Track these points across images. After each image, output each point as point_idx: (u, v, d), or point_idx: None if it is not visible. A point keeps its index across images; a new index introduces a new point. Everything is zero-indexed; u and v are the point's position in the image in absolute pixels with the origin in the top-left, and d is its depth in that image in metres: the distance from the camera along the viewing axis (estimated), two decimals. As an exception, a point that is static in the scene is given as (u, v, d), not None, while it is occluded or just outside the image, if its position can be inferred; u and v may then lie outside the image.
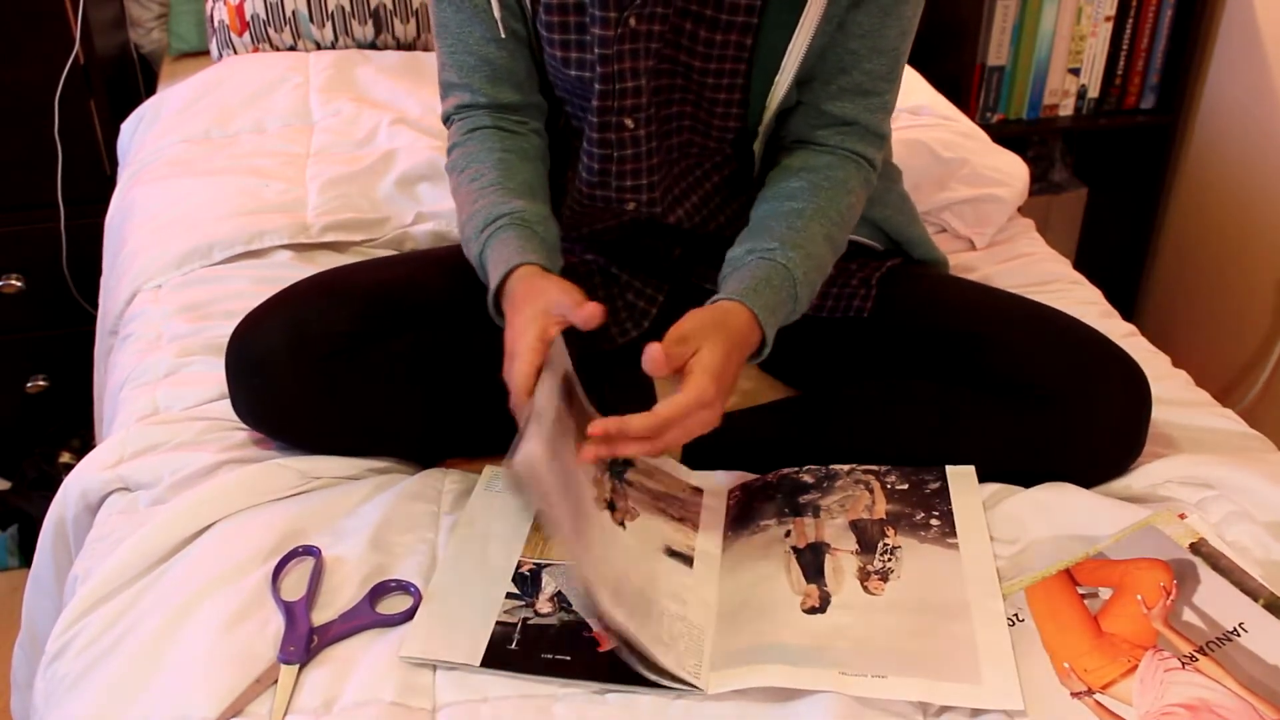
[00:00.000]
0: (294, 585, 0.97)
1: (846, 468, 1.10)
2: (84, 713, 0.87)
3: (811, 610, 0.94)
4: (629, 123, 1.12)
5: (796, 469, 1.10)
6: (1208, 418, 1.23)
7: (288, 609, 0.94)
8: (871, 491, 1.07)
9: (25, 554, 1.96)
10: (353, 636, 0.93)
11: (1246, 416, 1.26)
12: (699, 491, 1.11)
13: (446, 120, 1.22)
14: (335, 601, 0.96)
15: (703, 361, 0.98)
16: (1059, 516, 1.05)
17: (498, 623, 0.94)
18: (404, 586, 0.98)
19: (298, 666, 0.90)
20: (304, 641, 0.91)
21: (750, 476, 1.14)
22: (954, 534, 1.02)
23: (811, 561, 0.99)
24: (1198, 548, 1.00)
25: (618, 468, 1.07)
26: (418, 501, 1.08)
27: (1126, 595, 0.96)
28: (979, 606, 0.94)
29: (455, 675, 0.90)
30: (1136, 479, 1.10)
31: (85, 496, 1.11)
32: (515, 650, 0.91)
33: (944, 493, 1.06)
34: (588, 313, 0.97)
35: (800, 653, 0.89)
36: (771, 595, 0.96)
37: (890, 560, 0.99)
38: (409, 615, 0.95)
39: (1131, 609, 0.95)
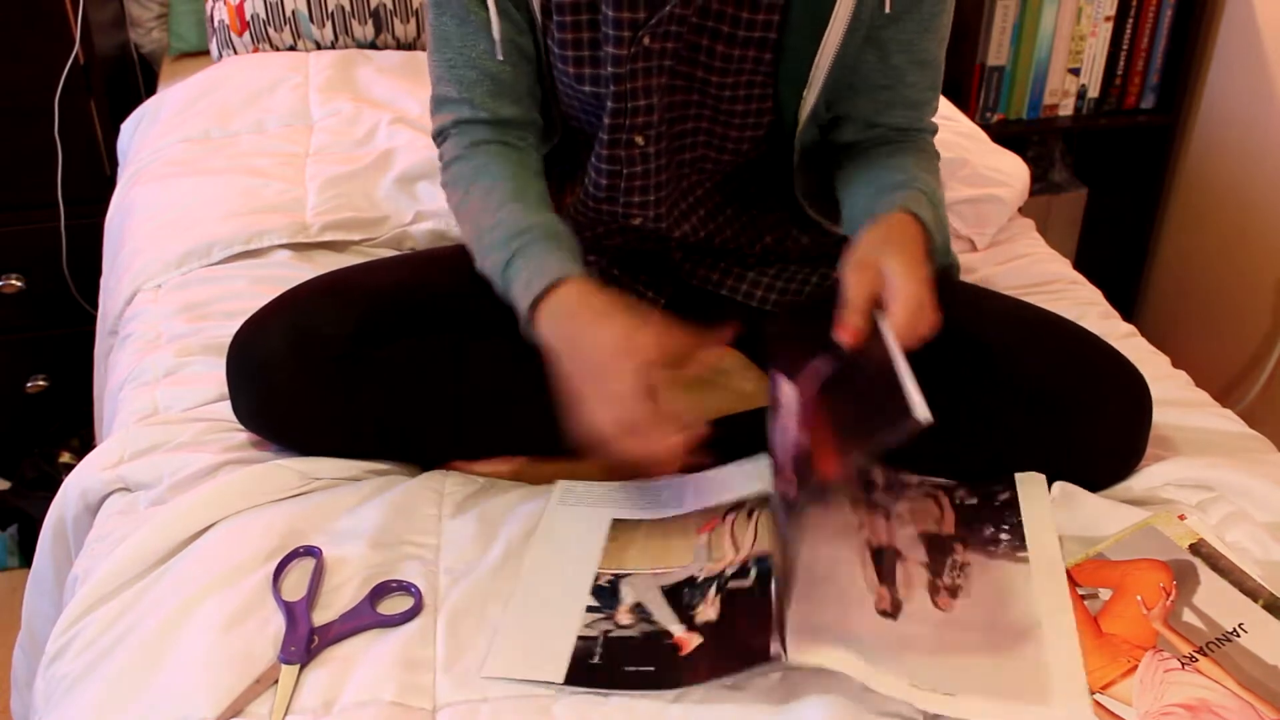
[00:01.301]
0: (295, 585, 0.97)
1: (916, 479, 1.08)
2: (84, 713, 0.87)
3: (884, 613, 0.93)
4: (639, 140, 1.12)
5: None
6: (1208, 418, 1.23)
7: (288, 609, 0.94)
8: (941, 507, 1.05)
9: (25, 554, 1.96)
10: (353, 637, 0.93)
11: (1246, 417, 1.26)
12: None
13: (440, 135, 1.17)
14: (336, 602, 0.96)
15: (895, 271, 0.96)
16: (1059, 517, 1.05)
17: (579, 638, 0.93)
18: (405, 587, 0.98)
19: (298, 667, 0.90)
20: (304, 642, 0.91)
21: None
22: (1024, 547, 1.00)
23: (885, 564, 0.98)
24: (1197, 548, 1.00)
25: None
26: (419, 503, 1.08)
27: (1126, 596, 0.96)
28: (1050, 623, 0.92)
29: (455, 675, 0.90)
30: (1136, 480, 1.10)
31: (85, 497, 1.11)
32: (598, 665, 0.90)
33: (1014, 504, 1.04)
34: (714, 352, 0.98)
35: (875, 653, 0.88)
36: (849, 581, 0.95)
37: (959, 577, 0.97)
38: (410, 616, 0.95)
39: (1131, 609, 0.95)
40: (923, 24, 1.11)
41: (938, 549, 1.00)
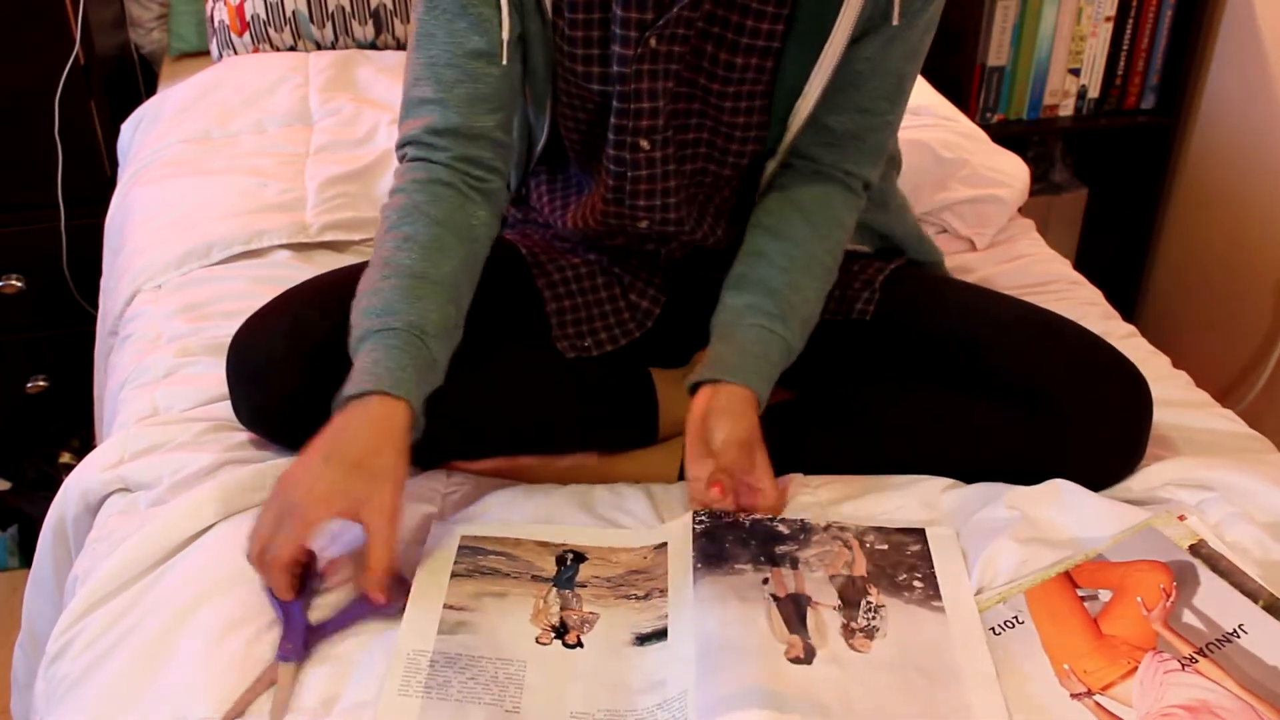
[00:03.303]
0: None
1: (824, 523, 1.05)
2: (84, 713, 0.87)
3: (796, 660, 0.90)
4: (644, 144, 1.12)
5: (770, 518, 1.05)
6: (1208, 418, 1.23)
7: (284, 608, 0.94)
8: (850, 549, 1.02)
9: (25, 554, 1.96)
10: (353, 635, 0.93)
11: (1246, 417, 1.26)
12: (663, 546, 1.03)
13: (402, 148, 1.09)
14: (334, 601, 0.96)
15: (766, 475, 1.07)
16: (1060, 517, 1.05)
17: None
18: (398, 578, 0.97)
19: (295, 664, 0.89)
20: (300, 638, 0.91)
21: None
22: (939, 597, 0.97)
23: (793, 612, 0.95)
24: (1197, 549, 1.00)
25: (565, 575, 1.01)
26: (419, 502, 1.08)
27: (1126, 597, 0.96)
28: (971, 671, 0.90)
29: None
30: (1136, 481, 1.10)
31: (85, 497, 1.11)
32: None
33: (925, 555, 1.02)
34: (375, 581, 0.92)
35: (788, 701, 0.85)
36: (754, 639, 0.91)
37: (875, 618, 0.95)
38: (404, 607, 0.94)
39: (1131, 611, 0.95)
40: (889, 37, 1.10)
41: (850, 592, 0.97)
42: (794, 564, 1.00)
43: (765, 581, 0.97)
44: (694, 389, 1.09)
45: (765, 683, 0.86)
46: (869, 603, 0.96)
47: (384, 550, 0.91)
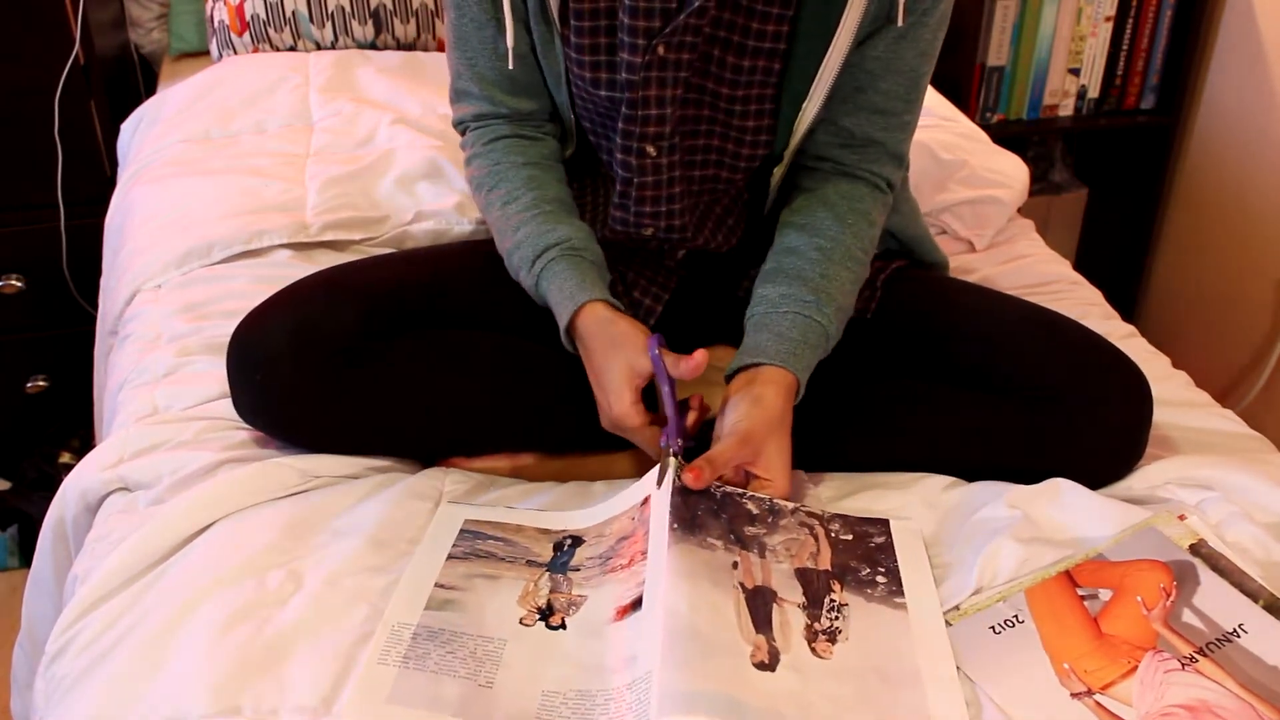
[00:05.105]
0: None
1: (791, 506, 1.04)
2: (84, 713, 0.87)
3: (760, 665, 0.89)
4: (651, 150, 1.12)
5: (740, 492, 1.04)
6: (1208, 418, 1.23)
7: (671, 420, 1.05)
8: (816, 539, 1.02)
9: (25, 554, 1.96)
10: (350, 637, 0.93)
11: (1246, 417, 1.26)
12: (648, 501, 1.04)
13: (460, 125, 1.23)
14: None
15: (774, 465, 1.04)
16: (1060, 516, 1.05)
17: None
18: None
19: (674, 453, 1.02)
20: (674, 437, 1.03)
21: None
22: (901, 593, 0.98)
23: (760, 608, 0.94)
24: (1197, 549, 1.00)
25: (560, 560, 1.02)
26: (419, 500, 1.08)
27: (1126, 596, 0.96)
28: (930, 673, 0.90)
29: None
30: (1136, 480, 1.10)
31: (85, 497, 1.11)
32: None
33: (889, 548, 1.02)
34: (691, 366, 1.04)
35: (749, 713, 0.84)
36: (722, 633, 0.89)
37: (838, 619, 0.94)
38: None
39: (1131, 610, 0.95)
40: (900, 34, 1.11)
41: (814, 588, 0.97)
42: (761, 551, 0.99)
43: (735, 565, 0.97)
44: (730, 377, 1.09)
45: (729, 689, 0.85)
46: (832, 600, 0.96)
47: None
